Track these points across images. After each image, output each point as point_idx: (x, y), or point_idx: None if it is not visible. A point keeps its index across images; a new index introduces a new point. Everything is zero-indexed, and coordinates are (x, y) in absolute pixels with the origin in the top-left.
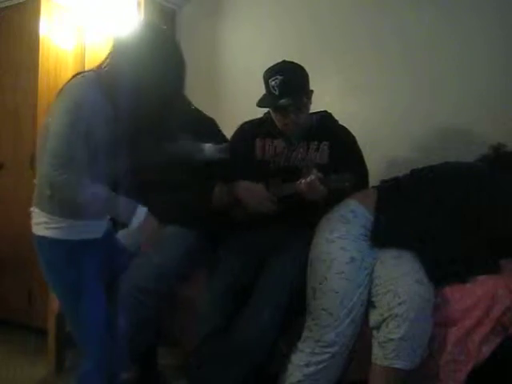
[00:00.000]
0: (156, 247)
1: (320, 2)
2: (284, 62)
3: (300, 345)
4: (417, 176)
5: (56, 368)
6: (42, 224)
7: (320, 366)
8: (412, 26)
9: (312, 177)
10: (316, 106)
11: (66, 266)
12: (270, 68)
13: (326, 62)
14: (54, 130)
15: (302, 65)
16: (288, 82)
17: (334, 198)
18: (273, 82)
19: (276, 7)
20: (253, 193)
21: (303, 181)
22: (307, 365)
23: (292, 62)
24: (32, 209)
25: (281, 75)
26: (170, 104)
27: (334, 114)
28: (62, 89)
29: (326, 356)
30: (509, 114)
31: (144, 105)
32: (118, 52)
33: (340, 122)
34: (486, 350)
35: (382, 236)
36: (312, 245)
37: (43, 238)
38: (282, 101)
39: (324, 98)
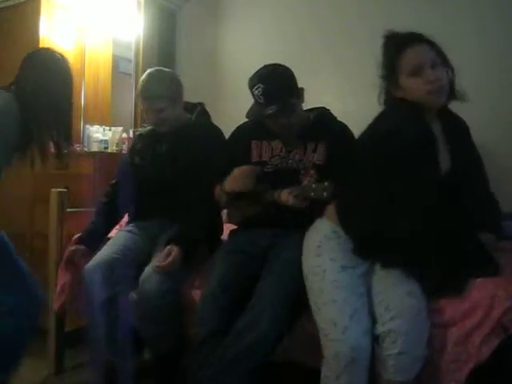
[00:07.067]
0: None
1: (320, 2)
2: (265, 67)
3: (322, 366)
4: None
5: (56, 368)
6: None
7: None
8: (412, 26)
9: (286, 192)
10: (316, 105)
11: None
12: (252, 76)
13: (326, 62)
14: None
15: (302, 64)
16: (271, 89)
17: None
18: (256, 91)
19: (276, 7)
20: (234, 174)
21: (281, 194)
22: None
23: (273, 65)
24: None
25: (262, 83)
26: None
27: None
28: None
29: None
30: (507, 112)
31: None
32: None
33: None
34: (486, 351)
35: (359, 253)
36: (303, 262)
37: None
38: (268, 109)
39: (324, 98)
